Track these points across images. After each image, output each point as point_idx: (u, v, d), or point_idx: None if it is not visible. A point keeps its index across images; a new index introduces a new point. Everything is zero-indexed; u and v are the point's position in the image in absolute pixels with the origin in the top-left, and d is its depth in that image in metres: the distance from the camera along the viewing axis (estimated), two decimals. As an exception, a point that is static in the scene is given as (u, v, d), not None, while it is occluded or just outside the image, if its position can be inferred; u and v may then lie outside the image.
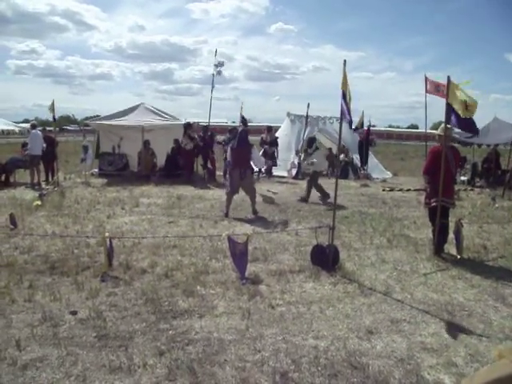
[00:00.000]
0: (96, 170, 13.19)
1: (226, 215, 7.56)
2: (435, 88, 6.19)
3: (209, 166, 12.63)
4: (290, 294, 4.18)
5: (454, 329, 3.52)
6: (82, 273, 4.61)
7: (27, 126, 12.28)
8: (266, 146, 13.09)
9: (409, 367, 2.96)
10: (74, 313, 3.65)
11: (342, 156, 13.54)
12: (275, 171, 13.41)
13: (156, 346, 3.15)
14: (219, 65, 13.33)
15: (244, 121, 10.47)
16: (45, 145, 11.18)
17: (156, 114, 12.83)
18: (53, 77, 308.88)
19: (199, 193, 10.15)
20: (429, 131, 12.80)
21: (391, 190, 11.36)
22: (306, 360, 3.01)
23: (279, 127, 15.60)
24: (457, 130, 5.94)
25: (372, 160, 14.73)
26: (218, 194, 9.77)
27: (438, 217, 5.38)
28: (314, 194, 9.48)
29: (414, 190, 10.91)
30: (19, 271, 4.58)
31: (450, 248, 5.68)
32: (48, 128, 13.16)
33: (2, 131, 11.28)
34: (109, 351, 3.07)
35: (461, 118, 5.04)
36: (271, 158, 13.04)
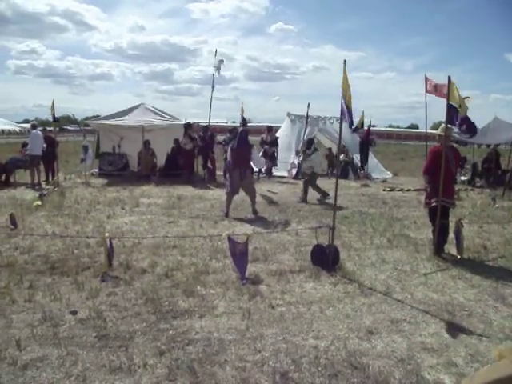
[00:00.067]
0: (96, 170, 13.19)
1: (226, 215, 7.56)
2: (434, 88, 6.20)
3: (209, 165, 12.63)
4: (290, 294, 4.18)
5: (454, 329, 3.52)
6: (82, 273, 4.61)
7: (27, 126, 12.26)
8: (266, 146, 13.09)
9: (409, 367, 2.96)
10: (74, 313, 3.66)
11: (342, 156, 13.55)
12: (275, 171, 13.41)
13: (156, 346, 3.15)
14: (219, 62, 13.34)
15: (244, 121, 10.51)
16: (45, 145, 11.18)
17: (156, 113, 12.84)
18: (53, 77, 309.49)
19: (199, 193, 10.15)
20: (429, 131, 12.80)
21: (391, 189, 11.35)
22: (306, 360, 3.01)
23: (279, 127, 15.60)
24: (456, 129, 5.94)
25: (372, 160, 14.72)
26: (218, 194, 9.77)
27: (438, 217, 5.38)
28: (314, 195, 9.49)
29: (414, 190, 10.91)
30: (19, 271, 4.58)
31: (450, 248, 5.68)
32: (48, 128, 13.16)
33: (3, 131, 11.25)
34: (109, 351, 3.07)
35: (462, 118, 5.06)
36: (271, 158, 13.05)
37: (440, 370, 2.93)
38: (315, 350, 3.14)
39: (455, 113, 5.11)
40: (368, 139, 14.39)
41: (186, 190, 10.44)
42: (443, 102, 5.26)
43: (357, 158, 14.32)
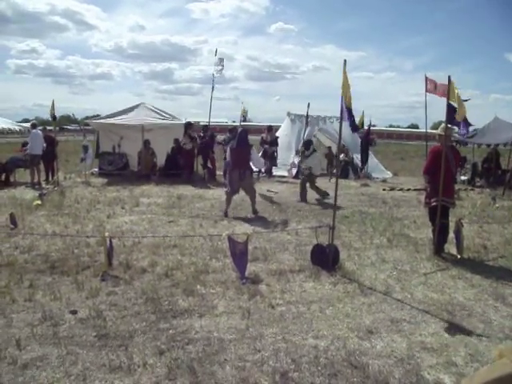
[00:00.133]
0: (96, 170, 13.19)
1: (226, 215, 7.56)
2: (433, 87, 6.19)
3: (209, 165, 12.64)
4: (290, 293, 4.18)
5: (454, 328, 3.52)
6: (82, 272, 4.61)
7: (27, 125, 12.26)
8: (266, 146, 13.08)
9: (409, 367, 2.96)
10: (74, 312, 3.66)
11: (342, 156, 13.54)
12: (275, 171, 13.40)
13: (156, 346, 3.15)
14: (220, 61, 13.34)
15: (244, 121, 10.53)
16: (45, 144, 11.18)
17: (156, 113, 12.84)
18: (53, 76, 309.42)
19: (199, 192, 10.15)
20: (429, 131, 12.80)
21: (391, 189, 11.36)
22: (305, 360, 3.01)
23: (279, 127, 15.59)
24: (457, 129, 5.94)
25: (372, 160, 14.71)
26: (218, 194, 9.76)
27: (438, 216, 5.38)
28: (314, 194, 9.49)
29: (414, 190, 10.91)
30: (19, 271, 4.58)
31: (450, 248, 5.68)
32: (48, 127, 13.16)
33: (3, 129, 11.25)
34: (109, 350, 3.08)
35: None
36: (271, 157, 13.04)
37: (440, 369, 2.93)
38: (315, 350, 3.14)
39: (454, 113, 5.11)
40: (368, 139, 14.38)
41: (186, 190, 10.44)
42: (443, 101, 5.27)
43: (357, 157, 14.30)
